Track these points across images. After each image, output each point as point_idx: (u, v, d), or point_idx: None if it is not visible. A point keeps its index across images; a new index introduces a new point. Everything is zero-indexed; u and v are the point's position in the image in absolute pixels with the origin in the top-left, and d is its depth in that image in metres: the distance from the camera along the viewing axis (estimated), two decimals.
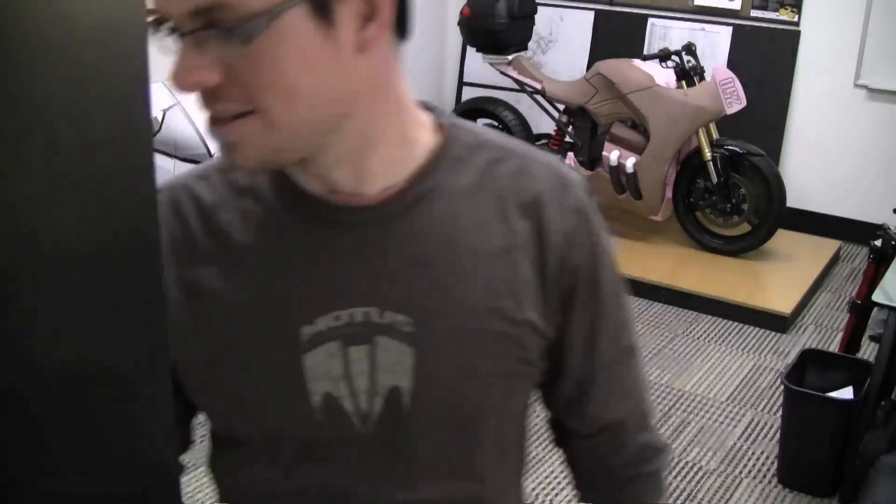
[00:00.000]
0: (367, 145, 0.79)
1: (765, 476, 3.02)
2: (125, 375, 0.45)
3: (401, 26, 0.77)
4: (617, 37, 5.29)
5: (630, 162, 4.50)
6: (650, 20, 5.19)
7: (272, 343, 0.81)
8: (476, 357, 0.83)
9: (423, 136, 0.84)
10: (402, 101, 0.82)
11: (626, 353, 0.95)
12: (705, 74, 4.49)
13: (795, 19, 4.85)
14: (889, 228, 3.12)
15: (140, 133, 0.43)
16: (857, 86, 4.73)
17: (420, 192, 0.82)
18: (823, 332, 4.03)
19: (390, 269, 0.81)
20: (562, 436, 1.00)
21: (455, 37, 5.62)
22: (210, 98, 0.70)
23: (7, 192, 0.38)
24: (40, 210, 0.39)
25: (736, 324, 4.03)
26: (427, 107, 0.87)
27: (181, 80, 0.68)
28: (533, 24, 4.92)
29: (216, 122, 0.72)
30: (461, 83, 5.86)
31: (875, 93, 4.70)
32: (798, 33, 4.85)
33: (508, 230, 0.84)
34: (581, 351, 0.90)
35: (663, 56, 4.46)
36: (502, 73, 4.88)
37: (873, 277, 3.05)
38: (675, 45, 4.65)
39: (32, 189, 0.39)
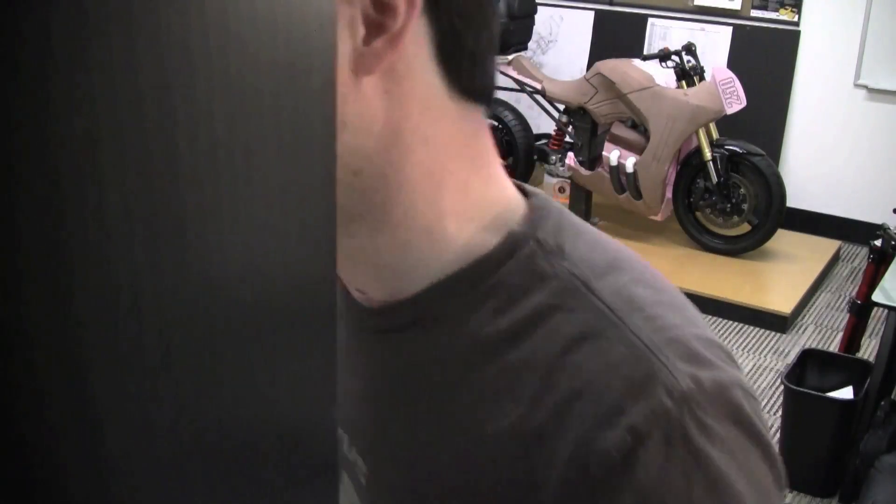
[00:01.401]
0: (362, 218, 0.56)
1: None
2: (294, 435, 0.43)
3: (453, 61, 0.54)
4: (617, 37, 5.29)
5: (630, 162, 4.50)
6: (650, 20, 5.20)
7: None
8: None
9: (469, 235, 0.57)
10: (445, 173, 0.56)
11: None
12: (705, 74, 4.50)
13: (795, 19, 4.85)
14: (889, 228, 3.13)
15: (326, 172, 0.41)
16: (857, 86, 4.73)
17: (420, 314, 0.58)
18: (823, 332, 4.03)
19: (367, 396, 0.62)
20: None
21: None
22: None
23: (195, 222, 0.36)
24: (227, 247, 0.37)
25: (736, 324, 4.03)
26: (524, 191, 0.60)
27: None
28: (533, 24, 4.92)
29: None
30: None
31: (875, 93, 4.70)
32: (798, 33, 4.85)
33: (519, 417, 0.53)
34: None
35: (663, 56, 4.46)
36: (502, 73, 4.88)
37: (873, 277, 3.05)
38: (675, 45, 4.65)
39: (220, 220, 0.37)
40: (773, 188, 4.32)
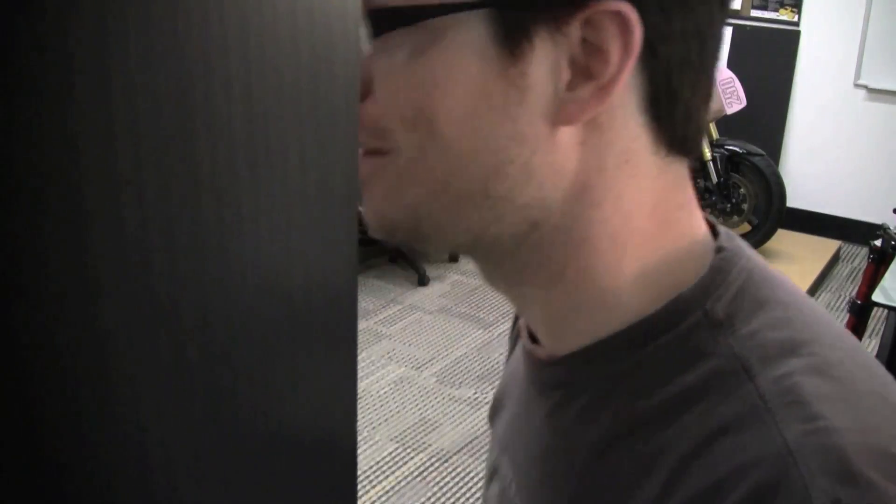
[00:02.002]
0: (538, 270, 0.52)
1: None
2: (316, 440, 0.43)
3: (664, 114, 0.49)
4: None
5: None
6: None
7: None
8: None
9: (636, 299, 0.51)
10: (632, 235, 0.51)
11: None
12: None
13: (795, 19, 4.85)
14: (889, 228, 3.12)
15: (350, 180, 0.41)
16: (857, 86, 4.73)
17: (570, 376, 0.54)
18: None
19: (530, 451, 0.59)
20: None
21: None
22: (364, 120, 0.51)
23: (215, 239, 0.37)
24: (251, 260, 0.38)
25: None
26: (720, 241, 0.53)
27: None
28: None
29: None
30: None
31: (875, 93, 4.70)
32: (798, 33, 4.85)
33: (649, 501, 0.48)
34: None
35: None
36: None
37: (873, 277, 3.05)
38: None
39: (243, 235, 0.38)
40: (773, 188, 4.33)
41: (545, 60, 0.46)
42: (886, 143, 4.70)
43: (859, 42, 4.67)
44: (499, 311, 4.14)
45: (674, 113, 0.49)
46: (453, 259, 4.68)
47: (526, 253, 0.51)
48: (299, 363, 0.38)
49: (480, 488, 2.89)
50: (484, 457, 3.05)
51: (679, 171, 0.52)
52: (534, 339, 0.58)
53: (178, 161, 0.33)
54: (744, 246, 0.54)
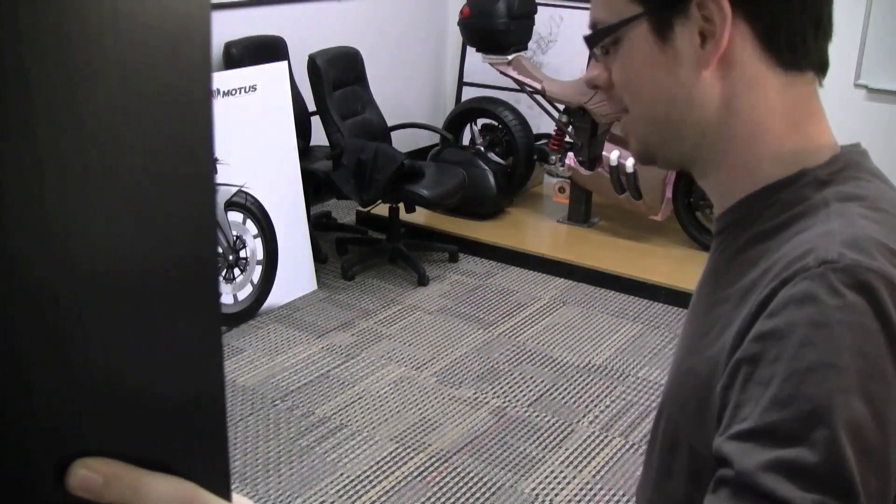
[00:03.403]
0: (711, 164, 0.83)
1: None
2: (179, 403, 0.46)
3: (773, 45, 0.77)
4: None
5: (630, 162, 4.50)
6: None
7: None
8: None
9: (773, 172, 0.80)
10: (764, 133, 0.80)
11: None
12: None
13: None
14: None
15: (202, 160, 0.44)
16: (857, 86, 4.73)
17: (726, 222, 0.84)
18: None
19: (697, 288, 0.89)
20: None
21: (455, 37, 5.62)
22: (608, 100, 0.86)
23: (64, 215, 0.38)
24: (99, 232, 0.40)
25: None
26: (849, 157, 0.83)
27: (585, 81, 0.89)
28: (533, 24, 4.92)
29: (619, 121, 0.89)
30: (461, 83, 5.86)
31: (875, 93, 4.70)
32: None
33: (750, 278, 0.77)
34: None
35: None
36: (502, 73, 4.88)
37: None
38: None
39: (92, 211, 0.39)
40: None
41: (684, 36, 0.77)
42: (886, 143, 4.70)
43: (859, 42, 4.67)
44: (499, 311, 4.14)
45: (779, 43, 0.77)
46: (453, 259, 4.69)
47: (703, 155, 0.83)
48: (154, 329, 0.41)
49: (481, 488, 2.89)
50: (484, 457, 3.05)
51: (803, 90, 0.82)
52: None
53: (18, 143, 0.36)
54: (861, 158, 0.85)
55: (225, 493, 0.48)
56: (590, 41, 0.82)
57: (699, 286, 0.89)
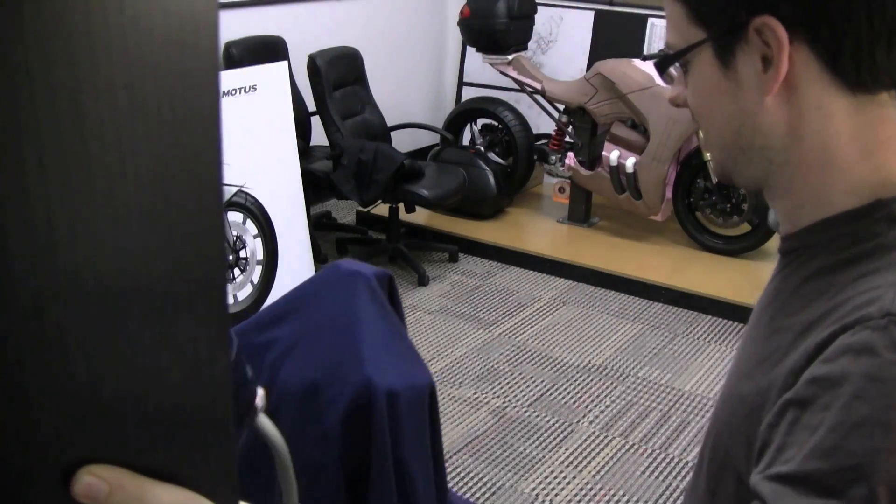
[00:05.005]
0: (780, 189, 0.82)
1: None
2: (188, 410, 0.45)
3: (837, 66, 0.73)
4: (617, 37, 5.29)
5: (630, 162, 4.50)
6: (650, 20, 5.19)
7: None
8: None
9: (844, 201, 0.78)
10: (833, 158, 0.77)
11: None
12: None
13: None
14: None
15: (210, 167, 0.43)
16: None
17: (794, 245, 0.83)
18: None
19: (760, 305, 0.88)
20: None
21: (455, 37, 5.63)
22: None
23: (69, 220, 0.38)
24: (104, 237, 0.39)
25: (736, 324, 4.03)
26: None
27: (669, 99, 0.89)
28: (533, 24, 4.92)
29: None
30: (461, 83, 5.86)
31: None
32: None
33: (816, 313, 0.75)
34: None
35: None
36: (502, 73, 4.88)
37: None
38: None
39: (97, 216, 0.39)
40: None
41: (746, 62, 0.76)
42: None
43: None
44: (499, 311, 4.14)
45: (843, 63, 0.73)
46: (453, 259, 4.69)
47: (772, 180, 0.81)
48: (160, 333, 0.40)
49: (481, 488, 2.89)
50: (484, 457, 3.05)
51: (875, 112, 0.76)
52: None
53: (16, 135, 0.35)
54: None
55: (232, 501, 0.47)
56: (658, 67, 0.83)
57: (761, 305, 0.87)
